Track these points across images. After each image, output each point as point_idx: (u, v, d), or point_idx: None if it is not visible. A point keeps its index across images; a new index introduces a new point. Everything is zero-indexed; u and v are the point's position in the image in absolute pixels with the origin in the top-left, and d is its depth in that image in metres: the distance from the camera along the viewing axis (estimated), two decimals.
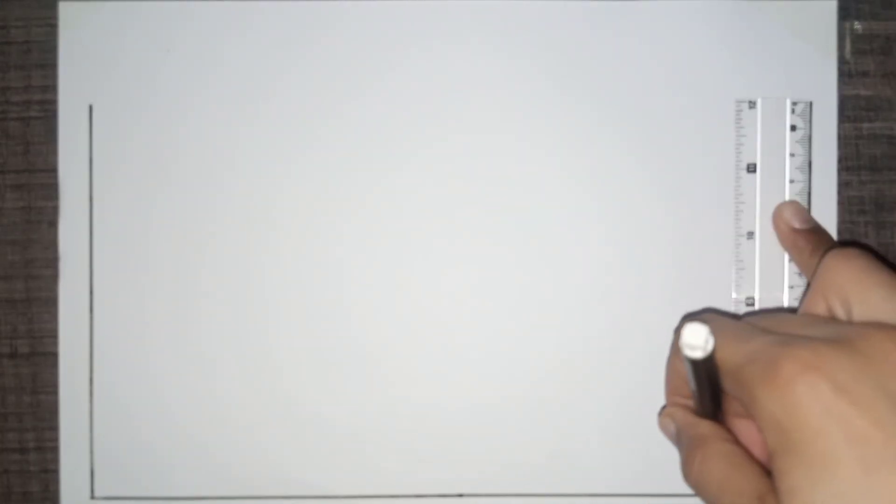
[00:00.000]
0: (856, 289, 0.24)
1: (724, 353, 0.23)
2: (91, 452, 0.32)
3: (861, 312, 0.24)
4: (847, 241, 0.32)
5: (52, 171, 0.32)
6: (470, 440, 0.32)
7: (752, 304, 0.31)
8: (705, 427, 0.25)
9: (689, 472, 0.25)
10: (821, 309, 0.25)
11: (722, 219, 0.32)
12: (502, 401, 0.32)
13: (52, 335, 0.32)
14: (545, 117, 0.32)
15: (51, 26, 0.32)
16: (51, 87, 0.32)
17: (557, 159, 0.32)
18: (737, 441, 0.25)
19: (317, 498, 0.32)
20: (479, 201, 0.32)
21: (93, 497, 0.32)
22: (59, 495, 0.32)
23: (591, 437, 0.32)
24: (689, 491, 0.32)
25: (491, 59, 0.32)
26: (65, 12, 0.32)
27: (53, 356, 0.32)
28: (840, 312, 0.24)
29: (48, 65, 0.32)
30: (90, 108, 0.32)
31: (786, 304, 0.31)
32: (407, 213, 0.32)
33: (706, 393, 0.25)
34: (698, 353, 0.22)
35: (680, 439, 0.26)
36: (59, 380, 0.32)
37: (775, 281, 0.31)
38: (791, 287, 0.31)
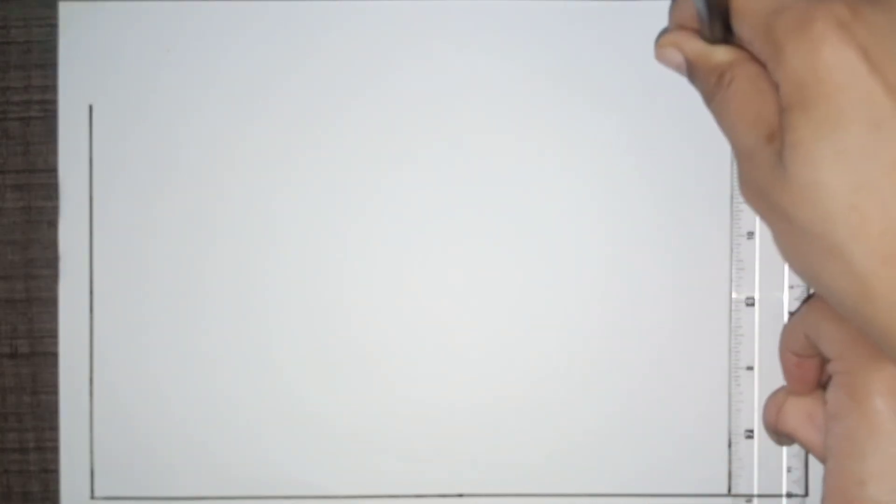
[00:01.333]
0: None
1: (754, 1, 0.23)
2: (91, 452, 0.32)
3: None
4: None
5: (52, 171, 0.32)
6: (470, 440, 0.32)
7: (752, 304, 0.31)
8: (726, 52, 0.25)
9: (713, 99, 0.25)
10: None
11: (721, 218, 0.32)
12: (502, 401, 0.32)
13: (52, 335, 0.32)
14: (545, 117, 0.32)
15: (51, 26, 0.32)
16: (51, 87, 0.32)
17: (557, 159, 0.32)
18: (762, 63, 0.24)
19: (317, 498, 0.32)
20: (478, 201, 0.32)
21: (93, 497, 0.32)
22: (59, 495, 0.32)
23: (591, 437, 0.32)
24: (688, 491, 0.32)
25: (491, 59, 0.32)
26: (65, 12, 0.32)
27: (53, 356, 0.32)
28: None
29: (48, 65, 0.32)
30: (90, 108, 0.32)
31: (786, 304, 0.31)
32: (407, 213, 0.32)
33: (718, 23, 0.24)
34: None
35: (696, 68, 0.26)
36: (59, 380, 0.32)
37: (775, 281, 0.31)
38: (791, 287, 0.31)
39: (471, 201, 0.32)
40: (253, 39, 0.32)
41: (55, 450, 0.32)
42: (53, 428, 0.32)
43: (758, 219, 0.31)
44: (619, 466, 0.32)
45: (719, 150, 0.32)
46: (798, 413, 0.28)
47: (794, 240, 0.22)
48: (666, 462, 0.32)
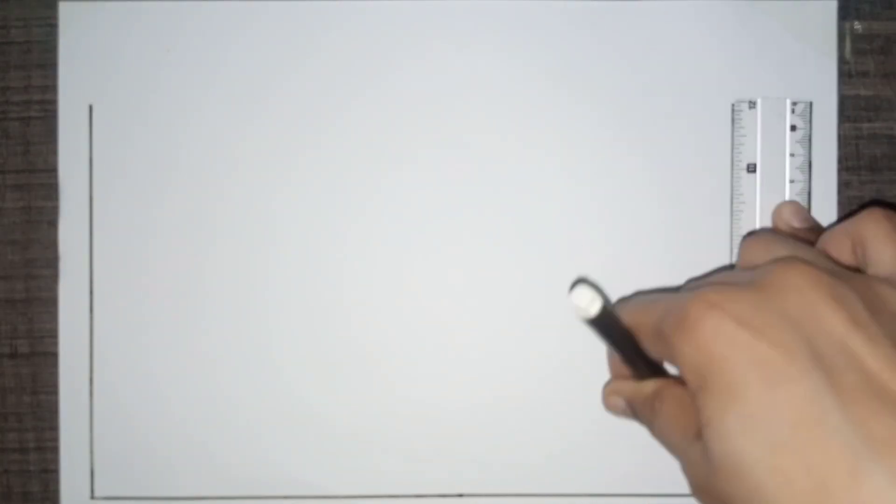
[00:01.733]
0: (875, 241, 0.25)
1: (642, 318, 0.25)
2: (91, 452, 0.32)
3: (871, 263, 0.25)
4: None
5: (52, 171, 0.32)
6: (470, 440, 0.32)
7: None
8: (652, 383, 0.27)
9: (653, 427, 0.27)
10: (842, 245, 0.26)
11: (721, 219, 0.32)
12: (502, 401, 0.32)
13: (52, 335, 0.32)
14: (545, 117, 0.32)
15: (51, 26, 0.32)
16: (51, 87, 0.32)
17: (557, 160, 0.32)
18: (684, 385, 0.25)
19: (317, 498, 0.32)
20: (478, 201, 0.32)
21: (93, 497, 0.32)
22: (59, 495, 0.32)
23: (591, 437, 0.32)
24: (688, 491, 0.32)
25: (491, 60, 0.32)
26: (65, 12, 0.32)
27: (53, 356, 0.32)
28: (857, 256, 0.25)
29: (48, 65, 0.32)
30: (90, 108, 0.32)
31: None
32: (407, 213, 0.32)
33: (635, 357, 0.26)
34: (586, 314, 0.24)
35: (634, 406, 0.28)
36: (59, 380, 0.32)
37: None
38: None
39: (471, 201, 0.32)
40: (253, 39, 0.32)
41: (55, 450, 0.32)
42: (53, 428, 0.32)
43: (758, 218, 0.32)
44: (618, 466, 0.32)
45: (719, 150, 0.32)
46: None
47: None
48: (666, 462, 0.31)
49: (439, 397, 0.32)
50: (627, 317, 0.26)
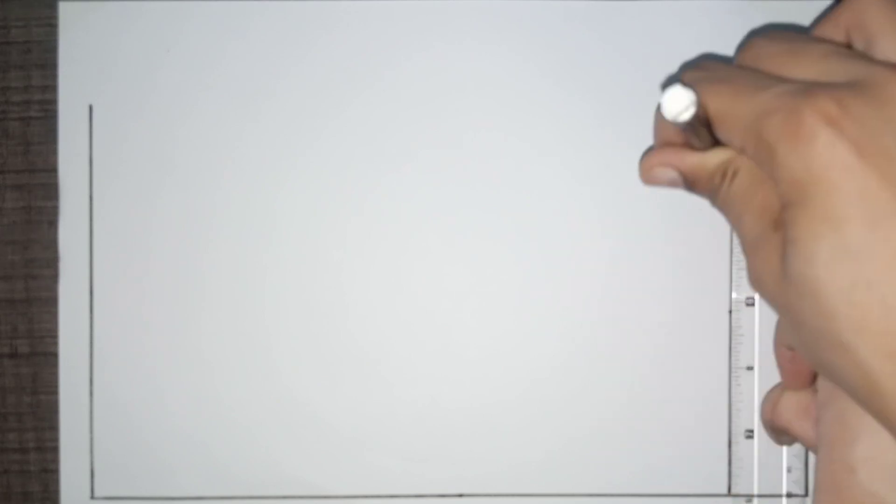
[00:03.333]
0: (884, 26, 0.23)
1: (735, 108, 0.23)
2: (91, 452, 0.32)
3: (885, 52, 0.23)
4: None
5: (52, 171, 0.32)
6: (470, 440, 0.32)
7: (752, 304, 0.31)
8: (720, 152, 0.25)
9: (717, 197, 0.25)
10: (833, 36, 0.24)
11: (722, 218, 0.32)
12: (502, 401, 0.32)
13: (52, 335, 0.32)
14: (545, 117, 0.32)
15: (51, 26, 0.32)
16: (51, 87, 0.32)
17: (557, 159, 0.32)
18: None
19: (317, 498, 0.32)
20: (478, 201, 0.32)
21: (93, 497, 0.32)
22: (59, 495, 0.32)
23: (591, 437, 0.32)
24: (688, 491, 0.32)
25: (491, 59, 0.32)
26: (65, 12, 0.32)
27: (53, 356, 0.32)
28: (859, 47, 0.24)
29: (48, 65, 0.32)
30: (90, 108, 0.32)
31: None
32: (407, 212, 0.32)
33: (705, 132, 0.24)
34: (677, 120, 0.22)
35: (694, 177, 0.26)
36: (59, 380, 0.32)
37: None
38: None
39: (471, 201, 0.32)
40: (253, 39, 0.32)
41: (55, 450, 0.32)
42: (53, 428, 0.32)
43: None
44: (619, 466, 0.32)
45: None
46: (793, 407, 0.28)
47: (802, 333, 0.22)
48: (666, 462, 0.32)
49: (439, 397, 0.32)
50: (714, 101, 0.23)
